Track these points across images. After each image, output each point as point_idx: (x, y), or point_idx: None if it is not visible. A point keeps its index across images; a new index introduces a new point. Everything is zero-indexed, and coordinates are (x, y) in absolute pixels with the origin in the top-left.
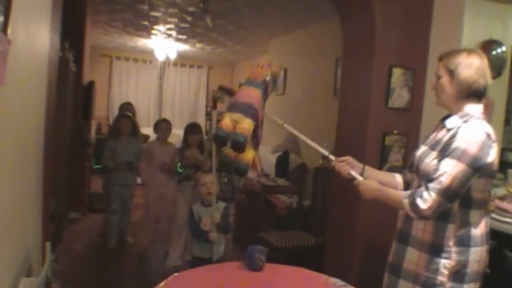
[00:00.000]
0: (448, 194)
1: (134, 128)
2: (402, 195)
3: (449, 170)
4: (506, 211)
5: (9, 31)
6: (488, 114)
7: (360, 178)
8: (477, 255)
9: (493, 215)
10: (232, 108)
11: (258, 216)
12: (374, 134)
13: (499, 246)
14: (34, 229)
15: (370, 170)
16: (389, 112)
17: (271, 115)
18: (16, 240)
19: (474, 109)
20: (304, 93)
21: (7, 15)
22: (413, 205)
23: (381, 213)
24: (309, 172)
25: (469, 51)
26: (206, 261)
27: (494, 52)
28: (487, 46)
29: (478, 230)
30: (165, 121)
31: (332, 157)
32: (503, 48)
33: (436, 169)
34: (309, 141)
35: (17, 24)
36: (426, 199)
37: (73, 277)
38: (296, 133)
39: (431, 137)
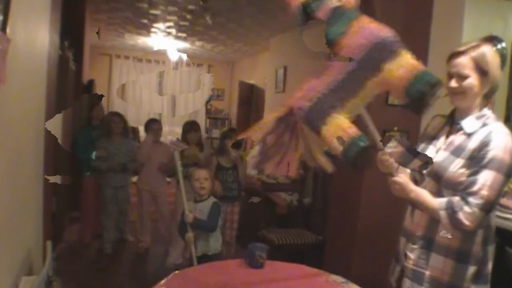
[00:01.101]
0: (490, 207)
1: (125, 127)
2: (438, 205)
3: (488, 182)
4: (507, 207)
5: (8, 29)
6: None
7: (396, 174)
8: (492, 254)
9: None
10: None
11: (258, 214)
12: None
13: (500, 243)
14: (35, 228)
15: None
16: (390, 109)
17: None
18: (17, 239)
19: (487, 109)
20: None
21: (6, 14)
22: (454, 218)
23: (382, 211)
24: (310, 169)
25: (490, 48)
26: (207, 258)
27: (494, 48)
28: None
29: (492, 229)
30: (156, 121)
31: (384, 149)
32: (503, 44)
33: (473, 182)
34: (367, 118)
35: (16, 22)
36: (470, 215)
37: (74, 275)
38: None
39: (448, 141)
